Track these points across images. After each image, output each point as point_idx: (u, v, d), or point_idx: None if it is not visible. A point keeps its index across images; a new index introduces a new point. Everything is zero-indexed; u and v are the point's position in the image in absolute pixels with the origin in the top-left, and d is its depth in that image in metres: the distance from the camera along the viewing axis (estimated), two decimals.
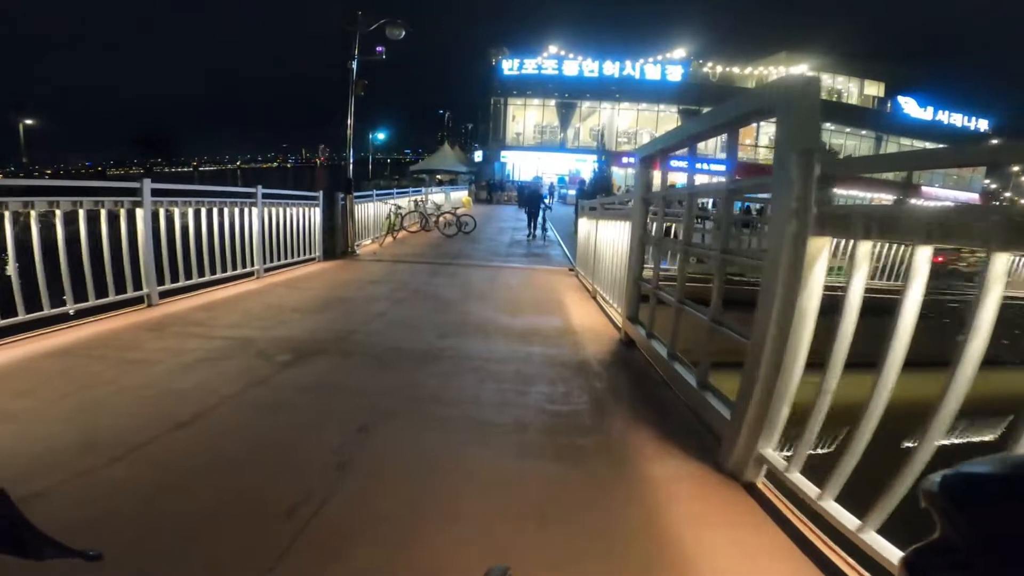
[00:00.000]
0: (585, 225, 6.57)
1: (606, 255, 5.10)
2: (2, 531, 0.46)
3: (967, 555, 0.33)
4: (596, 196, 7.12)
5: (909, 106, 34.77)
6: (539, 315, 4.71)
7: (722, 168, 23.67)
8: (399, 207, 10.59)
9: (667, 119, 32.97)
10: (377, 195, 10.01)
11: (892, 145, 34.51)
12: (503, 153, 34.21)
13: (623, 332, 3.91)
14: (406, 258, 8.13)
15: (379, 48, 8.54)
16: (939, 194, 32.85)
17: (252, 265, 5.96)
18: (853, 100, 34.49)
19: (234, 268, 5.61)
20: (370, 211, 9.71)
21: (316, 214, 7.51)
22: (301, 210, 7.05)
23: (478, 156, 39.84)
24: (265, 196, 6.28)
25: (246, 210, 5.84)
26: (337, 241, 8.18)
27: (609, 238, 4.94)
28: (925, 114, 35.15)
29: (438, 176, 33.10)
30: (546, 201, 13.40)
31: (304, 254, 7.17)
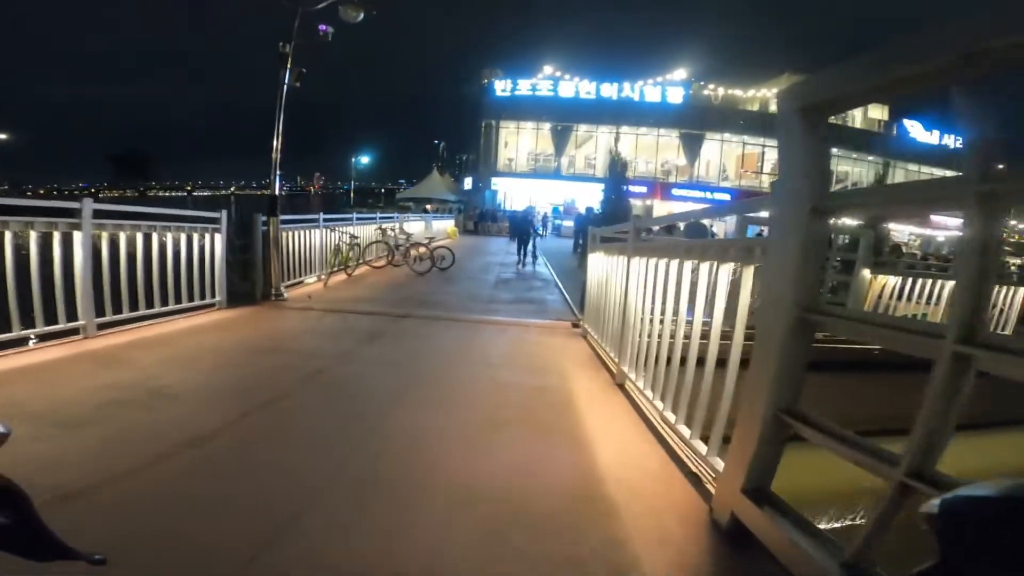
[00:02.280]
0: (601, 263, 4.38)
1: (646, 321, 2.89)
2: (16, 533, 0.49)
3: None
4: (610, 223, 5.03)
5: (915, 130, 33.53)
6: (534, 441, 2.45)
7: (727, 197, 22.14)
8: (354, 236, 8.39)
9: (668, 145, 31.42)
10: (325, 220, 7.81)
11: (899, 172, 33.11)
12: (494, 180, 32.28)
13: (719, 503, 1.69)
14: (348, 305, 5.87)
15: (323, 27, 6.46)
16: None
17: (76, 319, 3.76)
18: (857, 124, 33.17)
19: (27, 326, 3.42)
20: (315, 241, 7.51)
21: (216, 243, 5.31)
22: (185, 237, 4.84)
23: (467, 184, 38.05)
24: (108, 215, 4.13)
25: (56, 235, 3.63)
26: (256, 280, 5.94)
27: (662, 291, 2.72)
28: (931, 138, 33.89)
29: (427, 206, 31.17)
30: (540, 232, 12.30)
31: (194, 299, 4.95)
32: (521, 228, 12.67)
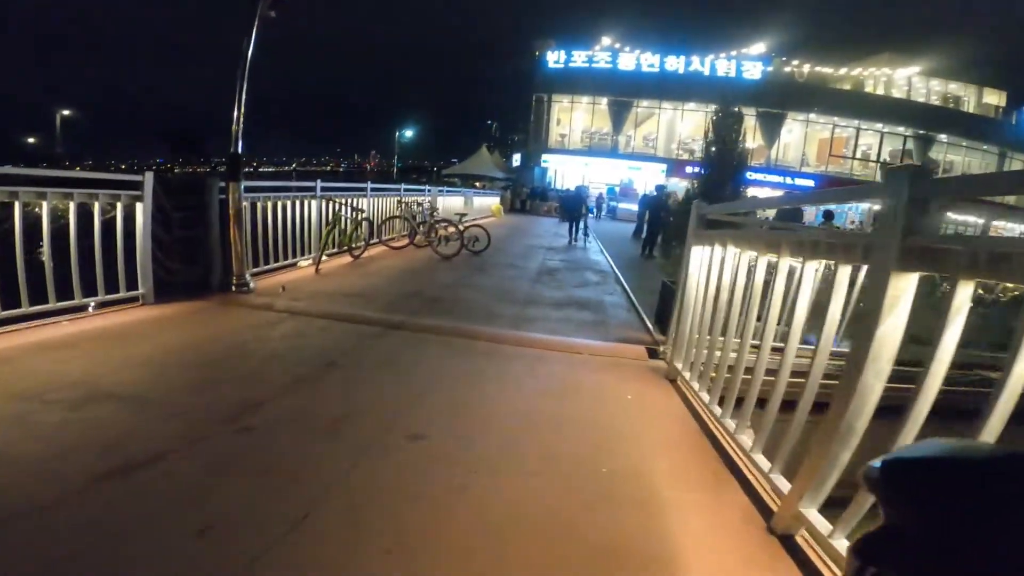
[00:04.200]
0: (724, 266, 2.45)
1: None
2: None
3: (910, 537, 0.34)
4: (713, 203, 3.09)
5: None
6: None
7: (810, 183, 19.29)
8: (359, 211, 6.71)
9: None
10: (323, 189, 6.15)
11: (1016, 164, 28.47)
12: (544, 157, 29.97)
13: None
14: (328, 303, 4.21)
15: None
16: None
17: None
18: (970, 109, 28.67)
19: None
20: (311, 214, 5.90)
21: (138, 216, 3.74)
22: (74, 207, 3.29)
23: (516, 160, 35.96)
24: None
25: None
26: (211, 265, 4.36)
27: None
28: None
29: (476, 183, 29.39)
30: (593, 214, 13.64)
31: (97, 293, 3.45)
32: (574, 206, 12.07)
